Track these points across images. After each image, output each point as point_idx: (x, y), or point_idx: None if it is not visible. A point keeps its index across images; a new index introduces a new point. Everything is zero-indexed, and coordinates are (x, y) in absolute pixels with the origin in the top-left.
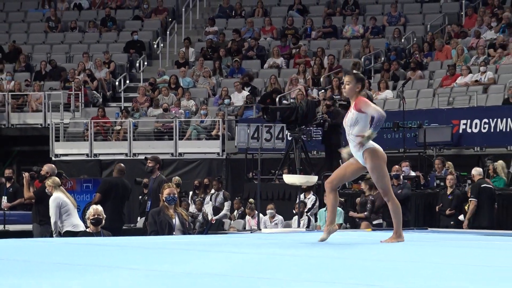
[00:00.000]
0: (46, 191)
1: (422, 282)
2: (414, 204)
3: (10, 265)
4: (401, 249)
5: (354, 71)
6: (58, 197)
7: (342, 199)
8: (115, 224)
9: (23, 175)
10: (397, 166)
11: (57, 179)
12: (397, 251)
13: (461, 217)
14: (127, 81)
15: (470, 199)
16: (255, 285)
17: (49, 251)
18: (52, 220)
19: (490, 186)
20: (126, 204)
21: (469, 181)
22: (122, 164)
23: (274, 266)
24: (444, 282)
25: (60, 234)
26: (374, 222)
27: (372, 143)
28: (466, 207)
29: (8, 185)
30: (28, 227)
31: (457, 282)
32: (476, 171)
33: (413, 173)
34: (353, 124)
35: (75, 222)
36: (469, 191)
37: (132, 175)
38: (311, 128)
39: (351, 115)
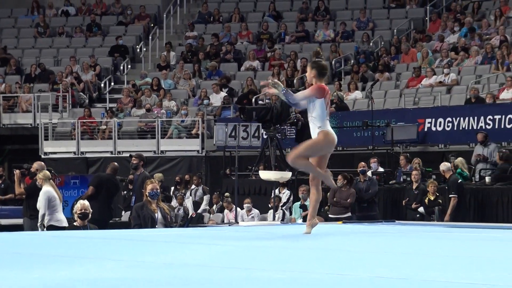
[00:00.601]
0: (37, 183)
1: (389, 271)
2: (382, 198)
3: (1, 257)
4: (369, 240)
5: (313, 60)
6: (48, 191)
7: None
8: (103, 218)
9: (14, 172)
10: (363, 163)
11: (47, 172)
12: (366, 242)
13: (421, 209)
14: (112, 83)
15: (450, 195)
16: (233, 275)
17: (39, 244)
18: (41, 212)
19: (461, 180)
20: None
21: (434, 176)
22: (116, 163)
23: (250, 257)
24: (410, 271)
25: (44, 227)
26: (343, 216)
27: (329, 129)
28: (426, 200)
29: None
30: (19, 221)
31: (422, 271)
32: (446, 166)
33: (381, 169)
34: (312, 108)
35: (59, 217)
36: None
37: (118, 172)
38: (285, 127)
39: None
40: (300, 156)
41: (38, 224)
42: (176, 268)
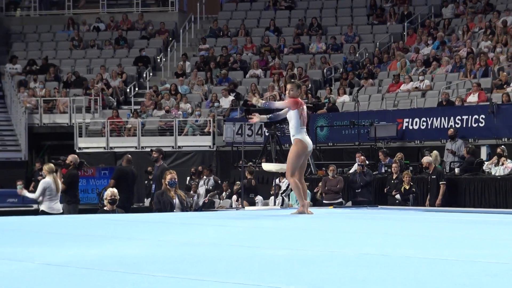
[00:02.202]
0: (42, 173)
1: (372, 249)
2: None
3: (42, 236)
4: (355, 222)
5: (293, 80)
6: (47, 182)
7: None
8: (126, 204)
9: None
10: (362, 157)
11: (52, 166)
12: (352, 224)
13: (397, 196)
14: (136, 89)
15: (441, 183)
16: (240, 252)
17: (74, 225)
18: (35, 196)
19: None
20: (134, 187)
21: (411, 168)
22: (129, 155)
23: (255, 237)
24: (390, 249)
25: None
26: (334, 202)
27: (302, 136)
28: (402, 189)
29: (40, 172)
30: (59, 207)
31: (400, 249)
32: (428, 160)
33: (367, 162)
34: (289, 119)
35: (52, 205)
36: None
37: (141, 164)
38: (284, 126)
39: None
40: (292, 175)
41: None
42: (191, 246)
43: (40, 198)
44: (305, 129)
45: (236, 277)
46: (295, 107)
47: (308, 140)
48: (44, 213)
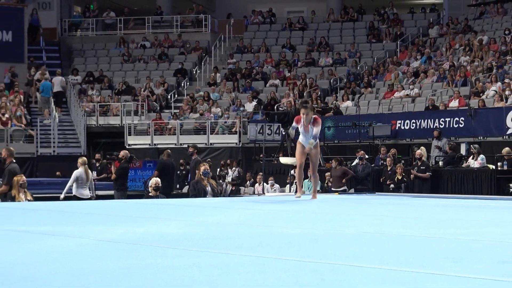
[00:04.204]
0: (78, 165)
1: (371, 228)
2: None
3: (96, 217)
4: (357, 206)
5: (306, 105)
6: (79, 172)
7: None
8: (167, 190)
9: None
10: (362, 151)
11: (85, 159)
12: (354, 208)
13: (391, 185)
14: (176, 96)
15: (427, 172)
16: (261, 230)
17: (124, 208)
18: (68, 184)
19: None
20: (174, 177)
21: (402, 161)
22: (169, 151)
23: (273, 218)
24: (387, 228)
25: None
26: (339, 189)
27: (300, 139)
28: (395, 179)
29: (97, 164)
30: (110, 192)
31: (395, 228)
32: (420, 152)
33: (366, 156)
34: (312, 131)
35: (81, 191)
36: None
37: (179, 158)
38: (297, 126)
39: (310, 126)
40: (298, 164)
41: (63, 194)
42: (221, 225)
43: (74, 185)
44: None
45: (258, 251)
46: (296, 123)
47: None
48: (75, 197)
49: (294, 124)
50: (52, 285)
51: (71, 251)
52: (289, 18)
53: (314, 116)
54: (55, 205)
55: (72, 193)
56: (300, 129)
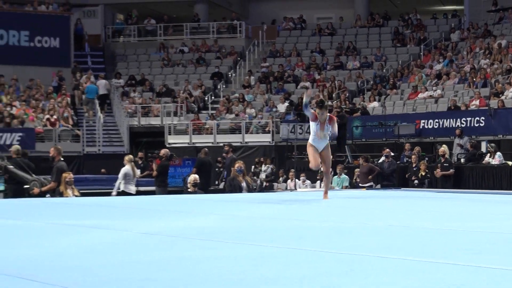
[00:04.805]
0: (124, 163)
1: (395, 221)
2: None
3: (139, 212)
4: (383, 201)
5: (322, 105)
6: (126, 169)
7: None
8: (205, 186)
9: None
10: (388, 149)
11: (131, 157)
12: (380, 202)
13: (416, 181)
14: (212, 97)
15: (450, 168)
16: (293, 224)
17: (165, 203)
18: (117, 182)
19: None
20: (211, 173)
21: (426, 158)
22: (207, 149)
23: (304, 212)
24: (410, 221)
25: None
26: (366, 185)
27: (310, 141)
28: (419, 175)
29: (139, 162)
30: (152, 188)
31: (418, 221)
32: (443, 149)
33: (392, 154)
34: (328, 129)
35: (128, 187)
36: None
37: (216, 156)
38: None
39: (326, 125)
40: (314, 166)
41: (114, 190)
42: (255, 219)
43: (122, 181)
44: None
45: (289, 243)
46: (313, 119)
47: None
48: (123, 192)
49: (310, 112)
50: (96, 275)
51: (114, 243)
52: (319, 24)
53: (329, 115)
54: (100, 201)
55: (120, 189)
56: (315, 127)
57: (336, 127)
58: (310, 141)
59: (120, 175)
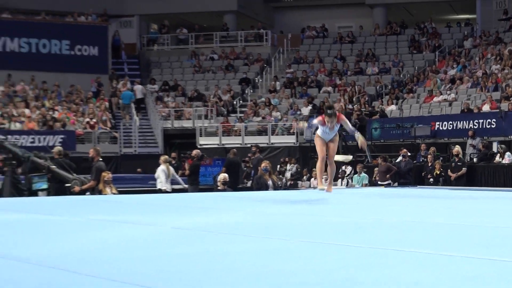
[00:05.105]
0: (160, 163)
1: (410, 217)
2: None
3: (173, 208)
4: (399, 198)
5: (331, 113)
6: (163, 169)
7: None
8: (234, 184)
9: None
10: (405, 150)
11: (166, 157)
12: (396, 199)
13: (431, 179)
14: (241, 101)
15: (463, 167)
16: (312, 219)
17: (196, 200)
18: (158, 180)
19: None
20: (239, 172)
21: (441, 158)
22: (235, 150)
23: (325, 208)
24: (425, 217)
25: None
26: (384, 183)
27: (318, 132)
28: (434, 174)
29: (173, 162)
30: (185, 186)
31: (432, 217)
32: (457, 149)
33: (409, 154)
34: (337, 128)
35: (166, 185)
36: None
37: (244, 156)
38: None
39: (336, 126)
40: (320, 157)
41: (159, 188)
42: (278, 215)
43: (158, 180)
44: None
45: (309, 237)
46: (322, 124)
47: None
48: (160, 190)
49: (315, 121)
50: (130, 267)
51: (148, 238)
52: (340, 32)
53: (336, 113)
54: (136, 198)
55: (157, 187)
56: (324, 128)
57: (349, 124)
58: (318, 132)
59: (160, 175)
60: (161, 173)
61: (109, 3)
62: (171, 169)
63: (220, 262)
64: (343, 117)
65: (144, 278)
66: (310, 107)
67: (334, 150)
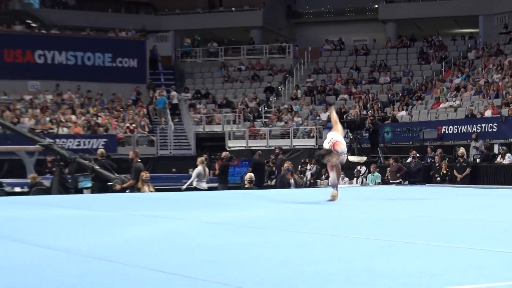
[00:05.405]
0: (197, 163)
1: (421, 212)
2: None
3: (205, 204)
4: (410, 195)
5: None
6: (199, 169)
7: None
8: (259, 183)
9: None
10: (414, 151)
11: (203, 159)
12: (406, 196)
13: (438, 178)
14: (265, 108)
15: (467, 167)
16: (331, 214)
17: (225, 197)
18: (190, 180)
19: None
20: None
21: (447, 159)
22: (260, 151)
23: (343, 205)
24: (434, 212)
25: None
26: (396, 182)
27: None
28: (441, 173)
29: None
30: (215, 185)
31: (441, 212)
32: (462, 151)
33: (418, 155)
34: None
35: (201, 184)
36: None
37: (268, 157)
38: (362, 131)
39: (337, 157)
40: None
41: (187, 185)
42: (300, 211)
43: (194, 179)
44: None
45: (329, 231)
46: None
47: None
48: (196, 189)
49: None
50: (166, 257)
51: (181, 231)
52: (355, 45)
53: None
54: (171, 195)
55: (193, 185)
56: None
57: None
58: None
59: (194, 173)
60: (198, 173)
61: (147, 20)
62: (207, 169)
63: (246, 252)
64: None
65: (179, 267)
66: (328, 113)
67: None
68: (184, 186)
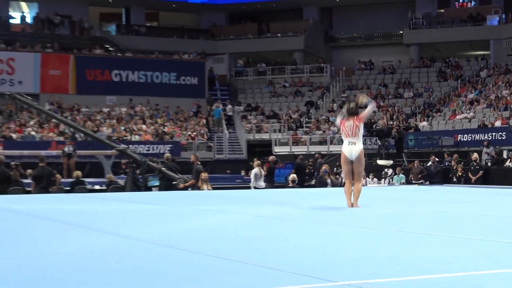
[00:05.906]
0: (253, 166)
1: (440, 208)
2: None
3: (254, 201)
4: (431, 193)
5: (347, 109)
6: (255, 171)
7: (402, 172)
8: (301, 183)
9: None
10: (433, 156)
11: (259, 162)
12: (429, 194)
13: (454, 179)
14: (306, 119)
15: (480, 170)
16: (360, 210)
17: (271, 195)
18: (252, 180)
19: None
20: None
21: (462, 163)
22: (301, 156)
23: (371, 201)
24: (450, 208)
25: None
26: (418, 182)
27: (343, 147)
28: (457, 175)
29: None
30: (263, 184)
31: (456, 208)
32: (475, 156)
33: (437, 159)
34: (361, 131)
35: (258, 183)
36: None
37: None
38: (389, 139)
39: (358, 128)
40: (344, 176)
41: (252, 187)
42: (334, 207)
43: (253, 180)
44: (347, 140)
45: (354, 224)
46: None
47: (345, 149)
48: (254, 188)
49: (337, 122)
50: (218, 244)
51: (234, 223)
52: (383, 65)
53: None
54: (226, 193)
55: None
56: (346, 139)
57: (369, 108)
58: (343, 148)
59: (252, 175)
60: (255, 174)
61: (206, 45)
62: (262, 170)
63: (285, 241)
64: (363, 113)
65: (230, 253)
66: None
67: (360, 174)
68: (251, 186)
